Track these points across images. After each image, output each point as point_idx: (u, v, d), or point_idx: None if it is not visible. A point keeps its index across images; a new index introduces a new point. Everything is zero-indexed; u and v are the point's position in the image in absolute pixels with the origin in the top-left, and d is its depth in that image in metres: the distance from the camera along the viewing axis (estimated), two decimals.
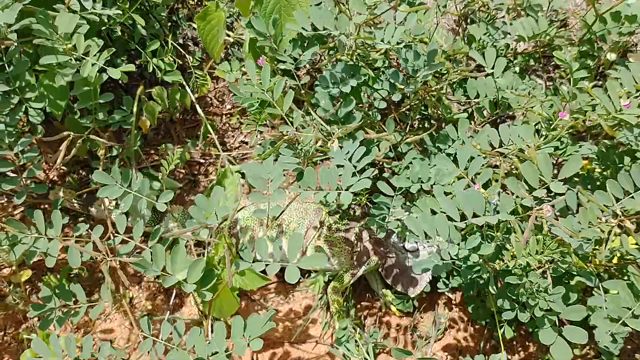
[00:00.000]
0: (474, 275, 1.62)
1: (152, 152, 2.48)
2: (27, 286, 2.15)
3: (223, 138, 2.55)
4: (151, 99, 2.22)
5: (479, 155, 1.61)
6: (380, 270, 2.00)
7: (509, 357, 2.19)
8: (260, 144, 2.01)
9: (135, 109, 2.11)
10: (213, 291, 1.61)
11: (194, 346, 1.47)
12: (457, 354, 2.18)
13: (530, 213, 1.45)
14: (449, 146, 1.92)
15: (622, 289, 1.49)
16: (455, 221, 1.45)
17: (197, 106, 2.30)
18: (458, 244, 1.44)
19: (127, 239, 1.67)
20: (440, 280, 1.91)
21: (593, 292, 1.53)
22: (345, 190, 1.54)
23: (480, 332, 2.20)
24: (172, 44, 2.27)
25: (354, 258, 2.02)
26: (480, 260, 1.54)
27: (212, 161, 2.51)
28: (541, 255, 1.36)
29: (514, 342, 2.18)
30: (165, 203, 1.67)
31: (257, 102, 1.81)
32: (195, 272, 1.50)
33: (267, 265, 1.51)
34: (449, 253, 1.47)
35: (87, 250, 1.58)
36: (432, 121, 2.08)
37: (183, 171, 2.48)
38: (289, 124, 1.72)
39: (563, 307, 1.49)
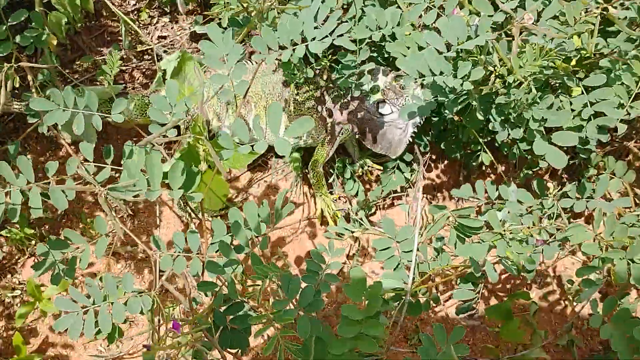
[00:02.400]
0: (460, 107, 1.61)
1: (68, 70, 2.23)
2: None
3: (138, 37, 2.31)
4: (52, 9, 1.94)
5: None
6: (357, 136, 1.95)
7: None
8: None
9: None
10: (200, 190, 1.51)
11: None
12: (434, 192, 2.24)
13: (512, 25, 1.42)
14: None
15: (601, 79, 1.54)
16: (443, 53, 1.41)
17: (109, 2, 2.03)
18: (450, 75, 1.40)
19: (101, 166, 1.50)
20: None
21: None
22: (312, 40, 1.43)
23: (452, 168, 2.26)
24: None
25: (328, 129, 1.95)
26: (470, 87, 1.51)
27: (135, 64, 2.29)
28: (540, 61, 1.34)
29: (484, 168, 2.25)
30: (121, 112, 1.50)
31: None
32: (175, 176, 1.38)
33: (252, 145, 1.37)
34: (444, 86, 1.43)
35: (75, 187, 1.40)
36: None
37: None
38: None
39: (553, 113, 1.52)
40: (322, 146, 1.98)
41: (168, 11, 2.38)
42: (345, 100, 1.89)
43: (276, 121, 1.29)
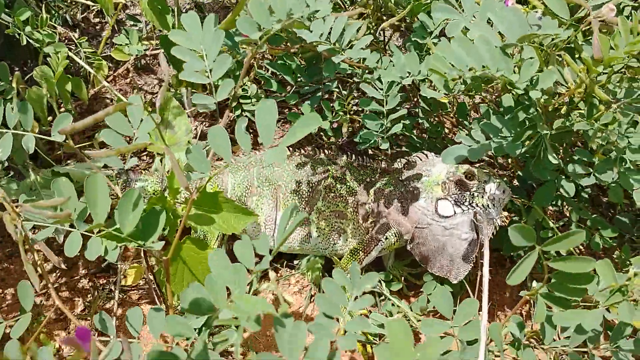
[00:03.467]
0: (524, 148, 1.20)
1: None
2: None
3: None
4: (34, 84, 1.69)
5: None
6: (408, 247, 1.50)
7: None
8: None
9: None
10: (178, 270, 1.09)
11: None
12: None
13: (587, 21, 1.08)
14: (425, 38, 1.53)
15: None
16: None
17: (105, 83, 1.77)
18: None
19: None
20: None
21: None
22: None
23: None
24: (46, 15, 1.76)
25: (372, 231, 1.52)
26: (533, 112, 1.13)
27: None
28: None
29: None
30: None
31: None
32: (126, 210, 0.96)
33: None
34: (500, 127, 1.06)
35: None
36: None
37: None
38: None
39: None
40: (355, 252, 1.51)
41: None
42: (393, 195, 1.50)
43: (270, 123, 0.91)
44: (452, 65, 1.03)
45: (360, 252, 1.51)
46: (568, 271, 0.86)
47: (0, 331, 1.11)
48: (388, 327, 0.76)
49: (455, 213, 1.44)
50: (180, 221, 1.09)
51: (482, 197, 1.42)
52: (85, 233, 1.12)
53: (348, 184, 1.53)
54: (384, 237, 1.51)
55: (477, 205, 1.43)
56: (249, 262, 0.86)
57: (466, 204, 1.43)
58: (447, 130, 1.88)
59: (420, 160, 1.52)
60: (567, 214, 1.63)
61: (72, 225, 1.12)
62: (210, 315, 0.80)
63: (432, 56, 1.14)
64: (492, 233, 1.43)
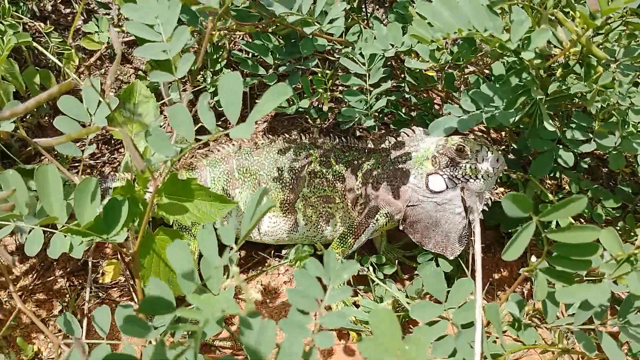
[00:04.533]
0: (518, 116, 1.12)
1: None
2: None
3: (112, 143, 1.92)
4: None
5: None
6: (401, 227, 1.42)
7: None
8: None
9: None
10: (154, 266, 1.01)
11: None
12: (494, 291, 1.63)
13: None
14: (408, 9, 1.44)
15: None
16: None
17: (73, 74, 1.68)
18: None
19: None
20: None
21: None
22: None
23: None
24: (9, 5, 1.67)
25: (361, 214, 1.45)
26: (527, 77, 1.05)
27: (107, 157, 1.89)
28: None
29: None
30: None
31: None
32: (83, 199, 0.88)
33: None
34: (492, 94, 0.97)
35: None
36: None
37: None
38: None
39: None
40: (344, 236, 1.44)
41: None
42: (382, 175, 1.41)
43: (235, 98, 0.82)
44: (431, 25, 0.94)
45: (350, 236, 1.44)
46: (570, 242, 0.78)
47: None
48: (372, 318, 0.67)
49: (447, 187, 1.37)
50: (150, 211, 1.00)
51: (475, 169, 1.35)
52: (49, 230, 1.04)
53: (333, 167, 1.45)
54: (375, 219, 1.43)
55: (470, 179, 1.35)
56: (212, 254, 0.78)
57: (459, 177, 1.36)
58: (437, 108, 1.80)
59: (408, 136, 1.44)
60: (566, 187, 1.55)
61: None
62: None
63: (413, 21, 1.06)
64: (487, 205, 1.35)
